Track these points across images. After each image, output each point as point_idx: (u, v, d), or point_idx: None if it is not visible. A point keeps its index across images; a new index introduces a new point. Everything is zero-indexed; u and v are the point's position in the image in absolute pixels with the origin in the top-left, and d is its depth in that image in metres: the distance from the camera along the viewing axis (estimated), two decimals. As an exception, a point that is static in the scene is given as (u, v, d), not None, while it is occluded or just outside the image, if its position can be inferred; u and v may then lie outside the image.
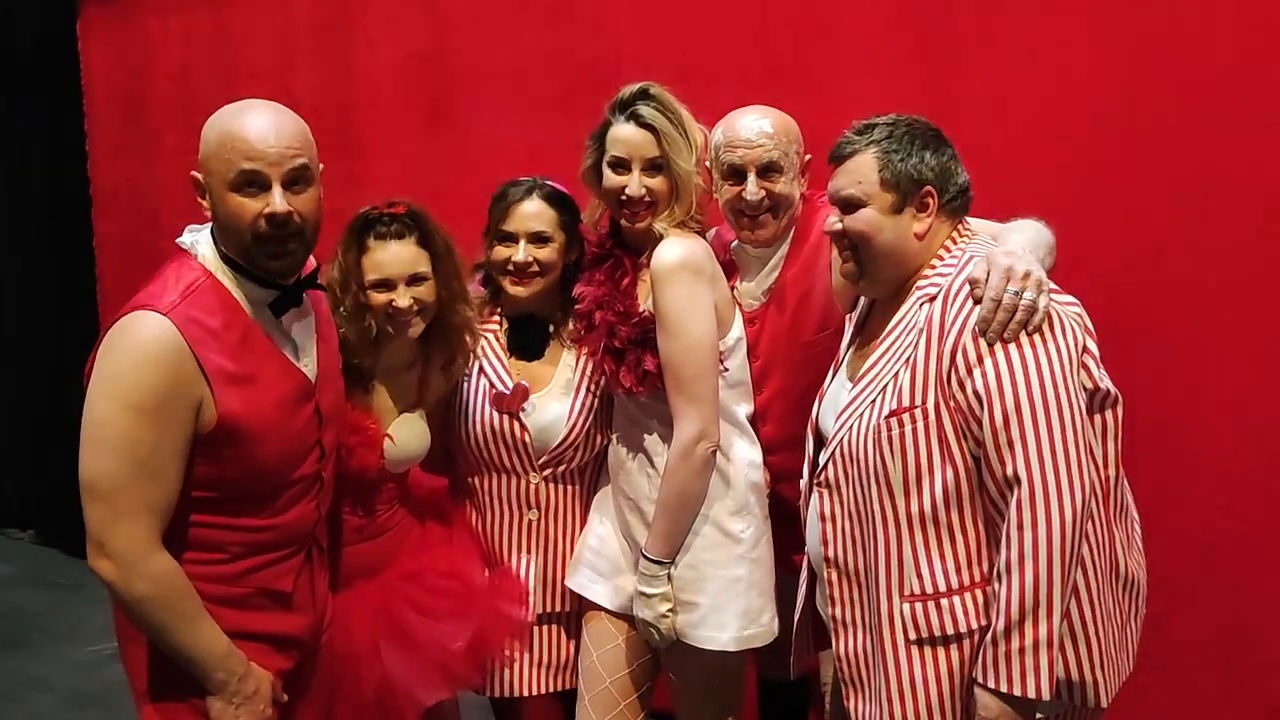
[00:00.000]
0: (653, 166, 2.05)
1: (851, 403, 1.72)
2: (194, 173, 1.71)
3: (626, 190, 2.05)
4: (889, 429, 1.63)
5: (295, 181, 1.66)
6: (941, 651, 1.61)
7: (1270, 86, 2.22)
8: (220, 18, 4.05)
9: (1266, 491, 2.30)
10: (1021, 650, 1.51)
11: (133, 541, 1.60)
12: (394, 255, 2.01)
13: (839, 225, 1.72)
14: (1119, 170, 2.38)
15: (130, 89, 4.39)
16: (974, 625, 1.59)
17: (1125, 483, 1.71)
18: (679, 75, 2.36)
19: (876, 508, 1.65)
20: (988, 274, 1.58)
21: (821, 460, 1.77)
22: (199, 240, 1.73)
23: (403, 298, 1.99)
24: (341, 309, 1.99)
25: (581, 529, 2.27)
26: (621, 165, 2.07)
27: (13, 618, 4.16)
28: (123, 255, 4.45)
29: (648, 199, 2.06)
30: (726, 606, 2.06)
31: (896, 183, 1.67)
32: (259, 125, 1.64)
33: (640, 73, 2.14)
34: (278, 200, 1.63)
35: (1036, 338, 1.55)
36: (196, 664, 1.68)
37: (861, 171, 1.69)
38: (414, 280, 2.01)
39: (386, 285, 2.00)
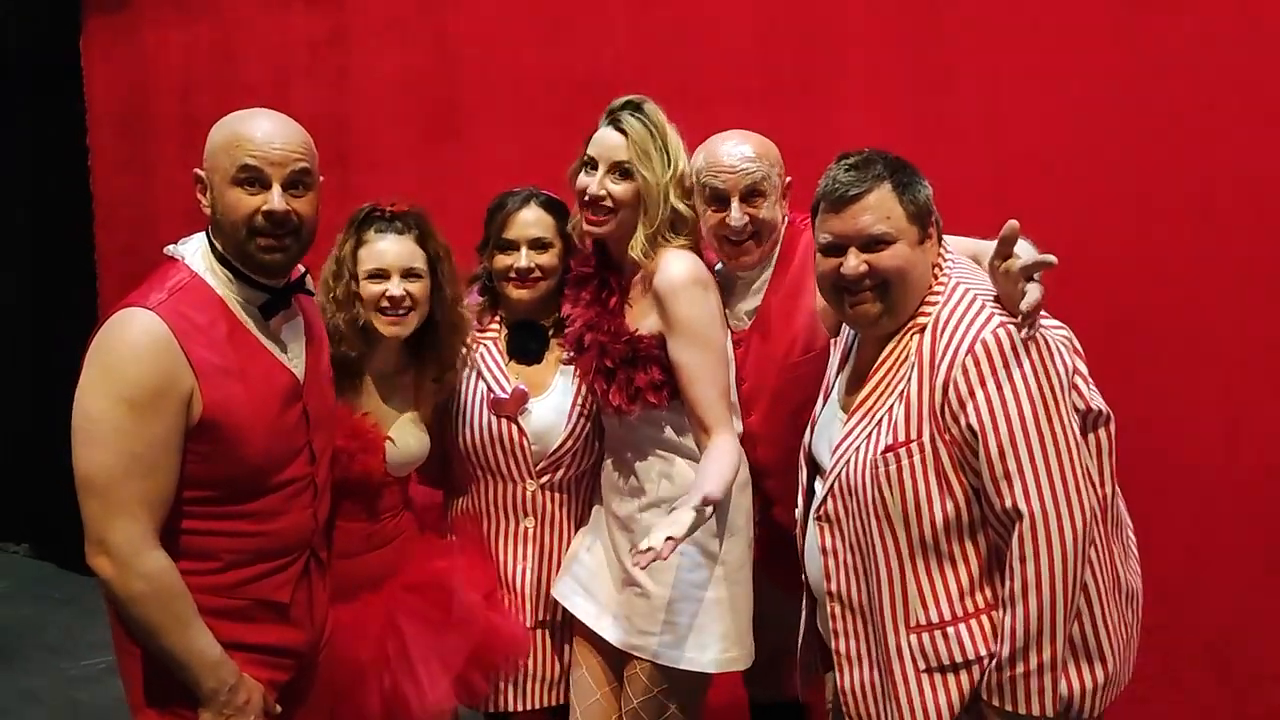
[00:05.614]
0: (619, 171, 2.04)
1: (847, 437, 1.70)
2: (196, 169, 1.75)
3: (588, 189, 2.05)
4: (885, 464, 1.61)
5: (295, 184, 1.72)
6: (953, 678, 1.60)
7: (1265, 102, 2.23)
8: (220, 32, 4.07)
9: (1260, 500, 2.30)
10: (1027, 674, 1.53)
11: (130, 537, 1.60)
12: (392, 247, 2.06)
13: (864, 267, 1.63)
14: (1114, 186, 2.39)
15: (132, 103, 4.41)
16: (982, 651, 1.59)
17: (1119, 495, 1.71)
18: (677, 92, 2.37)
19: (877, 541, 1.64)
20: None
21: (819, 494, 1.76)
22: (185, 249, 1.77)
23: (397, 288, 2.02)
24: (333, 295, 2.02)
25: (577, 539, 2.26)
26: (591, 166, 2.07)
27: (6, 631, 4.14)
28: (124, 267, 4.45)
29: (607, 202, 2.04)
30: (708, 628, 2.04)
31: (918, 214, 1.65)
32: (266, 128, 1.72)
33: (639, 90, 2.14)
34: (275, 199, 1.69)
35: (1028, 366, 1.53)
36: (188, 670, 1.67)
37: (886, 206, 1.63)
38: (408, 274, 2.05)
39: (381, 275, 2.04)
